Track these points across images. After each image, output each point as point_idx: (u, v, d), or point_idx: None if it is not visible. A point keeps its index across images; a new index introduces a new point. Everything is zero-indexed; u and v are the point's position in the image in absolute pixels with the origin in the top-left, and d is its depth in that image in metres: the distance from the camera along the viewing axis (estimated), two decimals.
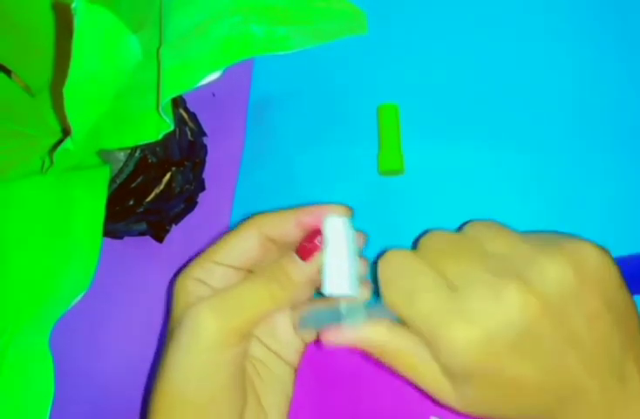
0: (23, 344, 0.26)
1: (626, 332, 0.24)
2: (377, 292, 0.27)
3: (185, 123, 0.40)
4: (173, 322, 0.29)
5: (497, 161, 0.38)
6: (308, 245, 0.29)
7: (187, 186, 0.40)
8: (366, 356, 0.27)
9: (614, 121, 0.37)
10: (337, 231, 0.28)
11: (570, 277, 0.24)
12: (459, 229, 0.28)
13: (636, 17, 0.39)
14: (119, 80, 0.27)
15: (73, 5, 0.23)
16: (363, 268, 0.30)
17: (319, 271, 0.28)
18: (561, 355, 0.24)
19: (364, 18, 0.28)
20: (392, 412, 0.35)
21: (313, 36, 0.26)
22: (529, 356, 0.24)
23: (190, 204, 0.42)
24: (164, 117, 0.27)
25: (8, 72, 0.36)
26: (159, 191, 0.37)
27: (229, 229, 0.39)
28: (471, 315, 0.24)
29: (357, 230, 0.29)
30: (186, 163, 0.39)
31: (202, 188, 0.43)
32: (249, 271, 0.30)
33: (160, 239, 0.42)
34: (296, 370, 0.31)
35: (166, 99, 0.26)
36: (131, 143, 0.30)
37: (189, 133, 0.40)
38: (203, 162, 0.43)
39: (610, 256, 0.25)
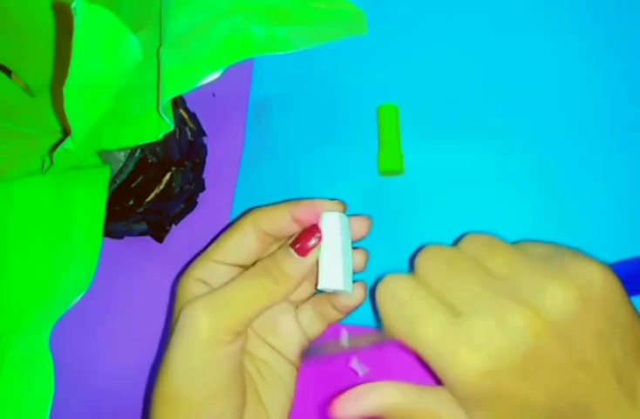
0: (23, 344, 0.26)
1: (635, 347, 0.24)
2: (377, 317, 0.27)
3: (185, 123, 0.40)
4: (173, 322, 0.29)
5: (497, 162, 0.38)
6: (307, 242, 0.29)
7: (187, 186, 0.40)
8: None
9: (614, 121, 0.37)
10: (333, 227, 0.28)
11: (575, 300, 0.23)
12: (456, 242, 0.28)
13: (638, 18, 0.39)
14: (120, 80, 0.27)
15: (73, 5, 0.23)
16: (362, 261, 0.31)
17: (314, 265, 0.28)
18: (570, 377, 0.23)
19: (364, 18, 0.28)
20: None
21: (313, 36, 0.26)
22: (538, 379, 0.23)
23: (190, 204, 0.42)
24: (164, 117, 0.27)
25: (8, 72, 0.36)
26: (159, 191, 0.37)
27: None
28: (476, 342, 0.23)
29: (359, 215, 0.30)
30: (186, 163, 0.39)
31: (202, 188, 0.43)
32: None
33: (160, 239, 0.42)
34: (298, 370, 0.31)
35: (167, 99, 0.26)
36: (131, 143, 0.30)
37: (189, 133, 0.40)
38: (203, 162, 0.43)
39: (613, 274, 0.24)
